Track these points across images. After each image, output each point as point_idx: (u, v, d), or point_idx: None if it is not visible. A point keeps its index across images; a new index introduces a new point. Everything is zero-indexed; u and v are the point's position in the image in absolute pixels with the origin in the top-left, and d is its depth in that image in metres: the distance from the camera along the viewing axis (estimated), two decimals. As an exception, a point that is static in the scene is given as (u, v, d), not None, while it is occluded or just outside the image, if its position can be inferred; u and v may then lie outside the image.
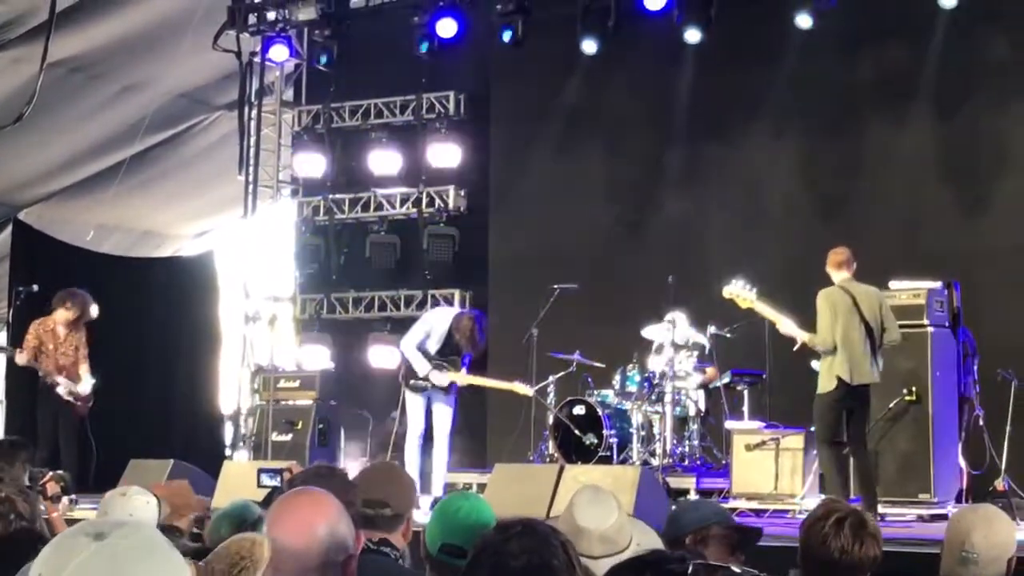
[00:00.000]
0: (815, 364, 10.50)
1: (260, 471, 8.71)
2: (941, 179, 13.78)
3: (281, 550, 3.11)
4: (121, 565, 1.90)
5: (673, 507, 5.29)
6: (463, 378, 11.87)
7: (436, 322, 11.96)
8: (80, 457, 12.60)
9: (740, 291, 10.59)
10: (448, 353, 11.82)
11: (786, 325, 10.44)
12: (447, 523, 4.04)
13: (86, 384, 12.79)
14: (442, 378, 11.74)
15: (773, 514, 10.96)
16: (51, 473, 8.81)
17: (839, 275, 10.38)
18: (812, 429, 11.77)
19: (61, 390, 12.55)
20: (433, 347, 11.79)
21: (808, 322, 10.39)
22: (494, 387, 12.61)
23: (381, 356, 15.82)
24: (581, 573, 3.11)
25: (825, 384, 10.23)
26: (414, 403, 11.89)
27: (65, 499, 8.85)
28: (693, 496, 11.85)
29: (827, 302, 10.26)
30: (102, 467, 12.64)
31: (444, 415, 11.91)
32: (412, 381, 11.81)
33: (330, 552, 3.20)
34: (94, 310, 12.90)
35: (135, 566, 1.91)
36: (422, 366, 11.74)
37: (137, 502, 5.50)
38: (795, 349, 10.46)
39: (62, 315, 12.66)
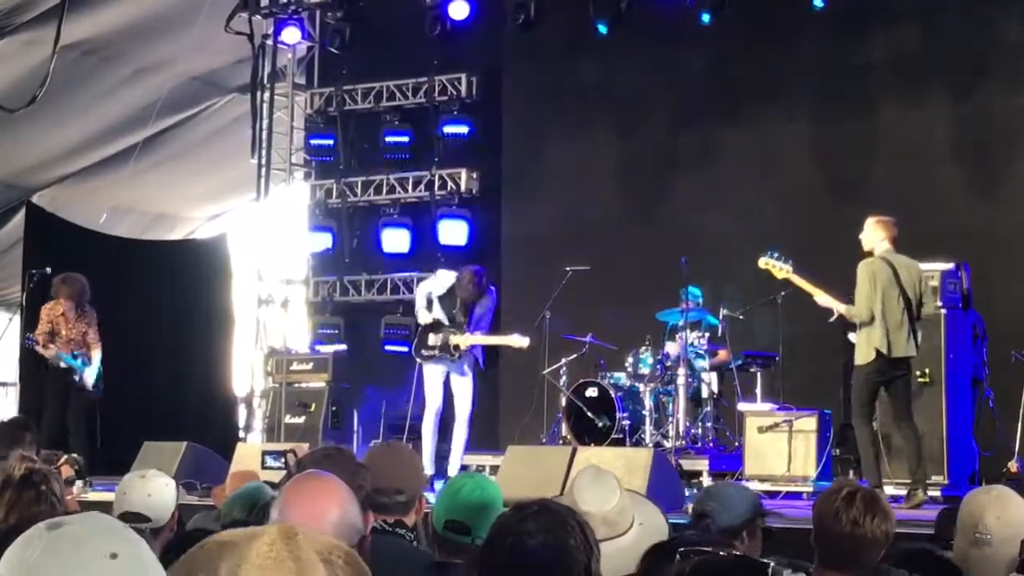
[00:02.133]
0: (852, 336, 10.40)
1: (265, 453, 8.75)
2: (955, 160, 13.74)
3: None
4: (82, 540, 1.89)
5: (719, 491, 5.23)
6: (463, 339, 11.87)
7: (427, 286, 12.15)
8: (90, 441, 12.62)
9: (775, 262, 10.49)
10: (459, 323, 11.87)
11: (823, 297, 10.33)
12: (451, 501, 4.09)
13: (93, 371, 12.81)
14: (440, 339, 11.76)
15: (786, 496, 10.97)
16: (65, 456, 8.84)
17: (882, 246, 10.24)
18: (827, 412, 11.84)
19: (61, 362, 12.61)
20: (439, 310, 11.90)
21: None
22: (491, 343, 12.54)
23: (394, 339, 15.82)
24: (598, 553, 3.12)
25: (863, 356, 10.11)
26: (432, 377, 11.94)
27: (79, 482, 8.90)
28: (707, 479, 11.86)
29: (868, 272, 10.13)
30: (113, 450, 12.66)
31: (464, 389, 11.93)
32: (423, 351, 11.86)
33: (344, 536, 3.20)
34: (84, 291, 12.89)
35: (94, 538, 1.89)
36: (424, 316, 11.92)
37: (156, 484, 5.52)
38: (831, 320, 10.37)
39: (65, 300, 12.70)
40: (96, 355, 12.88)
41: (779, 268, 10.46)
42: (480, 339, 12.26)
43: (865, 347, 10.12)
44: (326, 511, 3.21)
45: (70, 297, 12.72)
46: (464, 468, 12.14)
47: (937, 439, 10.72)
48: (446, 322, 11.88)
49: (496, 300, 12.26)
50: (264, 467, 8.18)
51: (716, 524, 4.67)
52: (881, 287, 10.07)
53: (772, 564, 2.51)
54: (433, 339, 11.85)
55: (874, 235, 10.32)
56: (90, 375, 12.81)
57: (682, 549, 2.81)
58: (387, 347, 15.45)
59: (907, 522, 7.36)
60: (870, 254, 10.29)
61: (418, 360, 12.03)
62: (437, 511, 4.10)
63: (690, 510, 5.06)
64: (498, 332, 12.77)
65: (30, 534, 1.92)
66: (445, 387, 11.94)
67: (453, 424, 12.05)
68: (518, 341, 12.18)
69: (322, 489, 3.30)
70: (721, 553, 2.62)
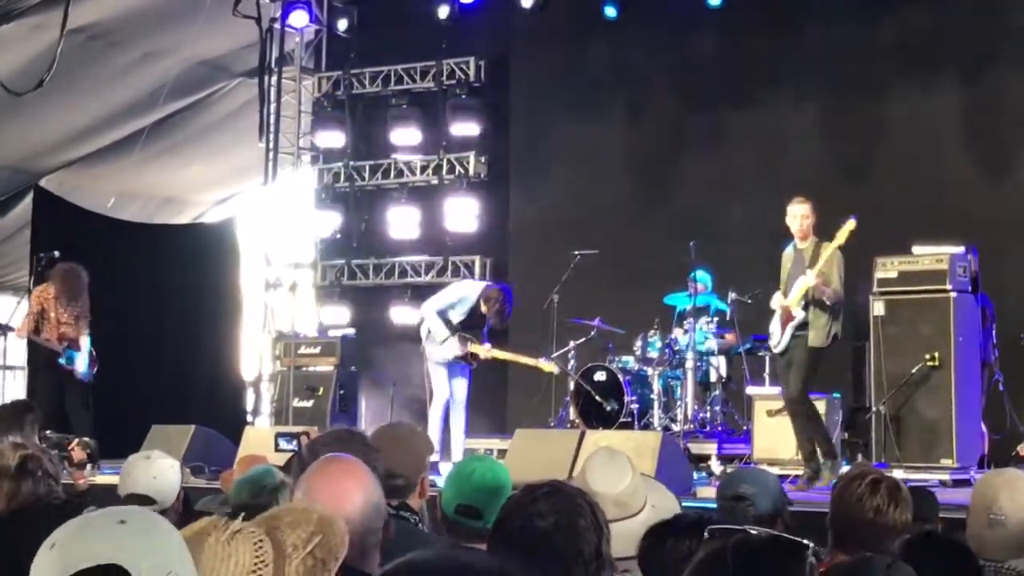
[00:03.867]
0: (798, 314, 10.42)
1: (278, 435, 8.77)
2: (964, 144, 13.71)
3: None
4: (93, 516, 2.03)
5: (756, 476, 5.21)
6: (486, 352, 11.86)
7: (467, 293, 11.96)
8: (92, 424, 12.62)
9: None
10: (471, 325, 11.82)
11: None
12: (461, 485, 4.07)
13: (83, 358, 12.80)
14: (459, 348, 11.72)
15: (794, 479, 10.94)
16: (77, 440, 8.86)
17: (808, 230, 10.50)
18: (836, 395, 11.85)
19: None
20: (456, 317, 11.80)
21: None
22: (517, 362, 12.55)
23: (401, 322, 15.84)
24: (608, 534, 3.12)
25: (824, 338, 10.31)
26: (438, 374, 11.91)
27: (89, 465, 8.91)
28: (715, 463, 11.85)
29: (841, 257, 10.38)
30: (121, 434, 12.65)
31: (461, 385, 11.95)
32: (435, 357, 11.82)
33: (369, 518, 3.20)
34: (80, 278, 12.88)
35: (105, 513, 2.03)
36: (441, 332, 11.73)
37: (161, 465, 5.54)
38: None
39: (57, 287, 12.71)
40: (84, 342, 12.86)
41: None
42: (507, 356, 12.23)
43: (826, 329, 10.31)
44: (350, 494, 3.21)
45: (61, 290, 12.70)
46: (469, 452, 12.14)
47: (946, 422, 10.69)
48: (458, 327, 11.82)
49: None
50: (277, 449, 8.18)
51: (757, 509, 4.65)
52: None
53: (811, 544, 2.50)
54: (451, 345, 11.76)
55: (813, 218, 10.49)
56: (81, 362, 12.81)
57: (710, 527, 2.79)
58: (394, 331, 15.48)
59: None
60: (807, 235, 10.47)
61: (427, 361, 11.97)
62: (447, 495, 4.08)
63: (721, 494, 5.00)
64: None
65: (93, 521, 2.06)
66: (448, 380, 11.92)
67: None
68: (547, 366, 12.22)
69: (345, 472, 3.30)
70: (753, 531, 2.60)
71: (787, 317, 10.42)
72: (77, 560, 1.92)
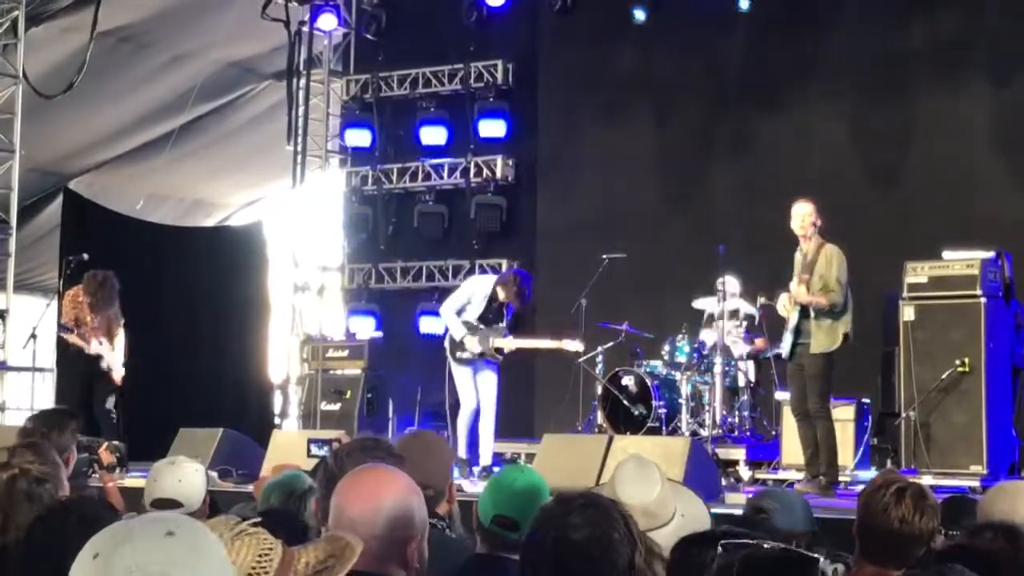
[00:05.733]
0: (790, 319, 10.45)
1: (310, 441, 8.80)
2: (994, 148, 13.62)
3: (345, 516, 3.18)
4: (138, 525, 1.96)
5: (780, 493, 5.21)
6: (508, 343, 11.79)
7: (476, 288, 11.89)
8: (121, 427, 12.64)
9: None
10: (491, 320, 11.75)
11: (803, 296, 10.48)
12: (500, 495, 4.04)
13: (118, 358, 12.83)
14: (479, 344, 11.66)
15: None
16: (106, 443, 8.87)
17: (814, 231, 10.49)
18: (865, 401, 11.80)
19: (95, 350, 12.62)
20: (474, 313, 11.72)
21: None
22: (541, 348, 12.50)
23: (429, 326, 15.83)
24: (642, 546, 3.10)
25: (831, 341, 10.31)
26: (463, 376, 11.79)
27: (118, 469, 8.93)
28: (743, 468, 11.81)
29: (843, 257, 10.39)
30: (149, 437, 12.67)
31: (490, 383, 11.80)
32: (458, 353, 11.76)
33: (395, 525, 3.19)
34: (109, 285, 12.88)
35: (152, 522, 1.97)
36: (459, 330, 11.68)
37: (186, 469, 5.55)
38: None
39: (88, 294, 12.74)
40: (119, 343, 12.88)
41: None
42: (530, 343, 12.19)
43: (832, 333, 10.29)
44: (379, 497, 3.21)
45: (91, 301, 12.71)
46: (498, 456, 12.11)
47: (976, 428, 10.63)
48: (477, 323, 11.75)
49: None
50: (310, 455, 8.21)
51: (772, 523, 4.63)
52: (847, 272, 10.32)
53: (822, 559, 2.47)
54: (471, 343, 11.70)
55: (816, 219, 10.47)
56: (116, 363, 12.83)
57: (723, 542, 2.77)
58: (422, 334, 15.46)
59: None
60: (807, 235, 10.47)
61: (450, 360, 11.92)
62: (484, 504, 4.06)
63: (748, 504, 5.01)
64: (531, 323, 12.68)
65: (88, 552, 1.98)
66: (475, 383, 11.84)
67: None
68: (571, 346, 12.06)
69: (380, 478, 3.30)
70: (766, 545, 2.58)
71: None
72: (124, 573, 1.88)
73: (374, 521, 3.17)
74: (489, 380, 11.81)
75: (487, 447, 11.79)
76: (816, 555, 2.49)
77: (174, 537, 1.92)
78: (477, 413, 11.75)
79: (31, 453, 4.71)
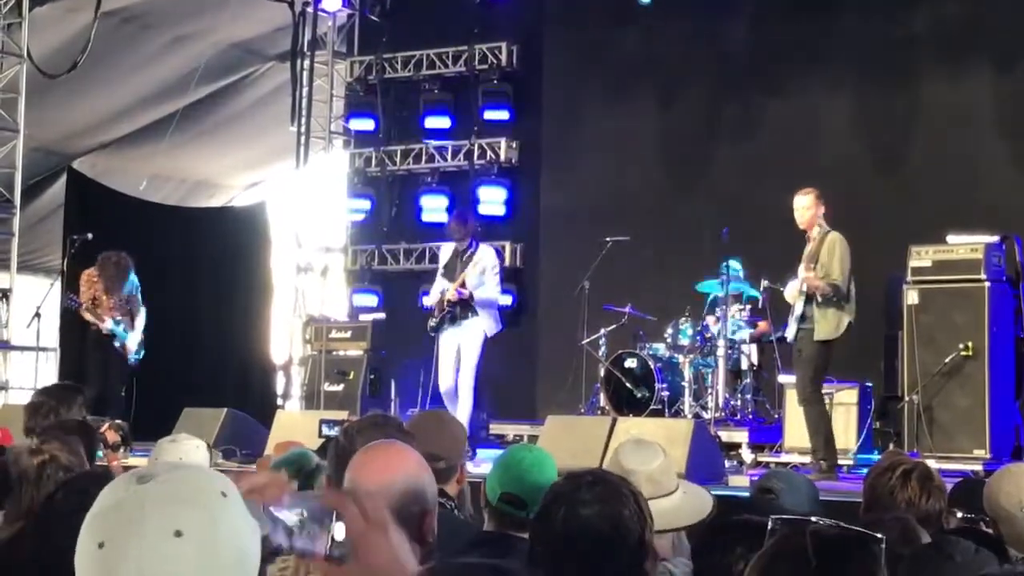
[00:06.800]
0: (797, 307, 10.48)
1: (322, 421, 8.85)
2: (999, 133, 13.61)
3: (356, 490, 3.15)
4: (148, 510, 1.86)
5: (786, 474, 5.24)
6: (451, 290, 11.96)
7: (440, 256, 12.36)
8: (127, 409, 12.66)
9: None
10: (452, 278, 12.06)
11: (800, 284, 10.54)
12: (509, 474, 4.05)
13: (136, 337, 12.84)
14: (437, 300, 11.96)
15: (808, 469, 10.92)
16: (110, 422, 8.90)
17: (822, 219, 10.54)
18: (868, 384, 11.81)
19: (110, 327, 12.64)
20: (446, 280, 12.04)
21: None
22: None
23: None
24: (652, 523, 3.11)
25: (834, 329, 10.33)
26: (445, 351, 12.00)
27: (122, 448, 8.95)
28: (747, 452, 11.82)
29: (846, 245, 10.40)
30: (153, 417, 12.69)
31: (469, 355, 11.93)
32: (430, 321, 11.99)
33: (406, 499, 3.19)
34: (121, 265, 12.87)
35: (162, 509, 1.86)
36: (434, 298, 12.12)
37: (187, 446, 5.61)
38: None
39: (100, 274, 12.74)
40: (140, 322, 12.91)
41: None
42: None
43: (835, 320, 10.32)
44: (390, 471, 3.22)
45: (105, 278, 12.70)
46: (499, 438, 12.13)
47: (979, 412, 10.64)
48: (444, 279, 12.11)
49: (501, 259, 12.28)
50: (321, 436, 8.23)
51: (780, 503, 4.65)
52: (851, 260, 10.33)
53: (883, 537, 2.45)
54: (437, 304, 12.05)
55: (818, 209, 10.51)
56: (132, 342, 12.84)
57: (774, 516, 2.74)
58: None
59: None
60: (811, 226, 10.51)
61: (431, 334, 12.05)
62: (492, 483, 4.07)
63: (755, 485, 5.04)
64: (534, 306, 12.73)
65: (117, 485, 1.92)
66: (457, 361, 11.93)
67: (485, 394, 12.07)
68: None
69: (391, 453, 3.30)
70: (821, 522, 2.55)
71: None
72: (129, 571, 1.82)
73: (388, 495, 3.18)
74: (469, 351, 11.94)
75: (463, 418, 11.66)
76: (879, 535, 2.47)
77: (182, 539, 1.84)
78: (453, 393, 11.83)
79: (59, 443, 4.84)
